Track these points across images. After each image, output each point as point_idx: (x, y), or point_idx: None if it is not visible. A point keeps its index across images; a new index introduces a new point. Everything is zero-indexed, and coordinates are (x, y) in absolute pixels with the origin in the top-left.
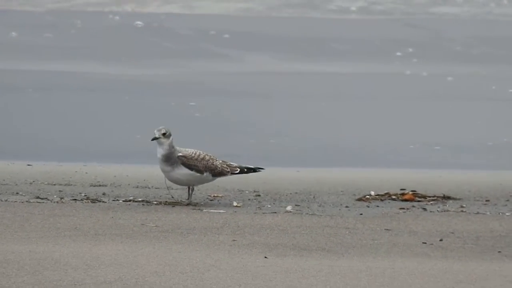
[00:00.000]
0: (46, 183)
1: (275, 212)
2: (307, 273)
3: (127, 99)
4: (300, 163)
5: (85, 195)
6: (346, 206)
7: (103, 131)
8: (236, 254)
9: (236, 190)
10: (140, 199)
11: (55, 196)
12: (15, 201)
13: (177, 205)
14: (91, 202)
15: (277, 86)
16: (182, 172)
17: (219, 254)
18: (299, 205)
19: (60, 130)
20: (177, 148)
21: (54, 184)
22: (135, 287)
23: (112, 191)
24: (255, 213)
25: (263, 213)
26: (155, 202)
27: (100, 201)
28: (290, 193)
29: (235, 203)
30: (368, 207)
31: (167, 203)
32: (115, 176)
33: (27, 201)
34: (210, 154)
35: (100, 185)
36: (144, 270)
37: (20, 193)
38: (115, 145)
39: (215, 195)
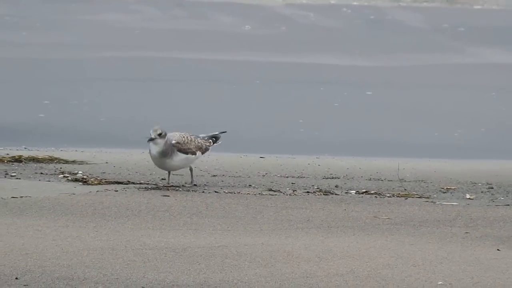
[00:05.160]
0: (278, 175)
1: (508, 205)
2: None
3: (369, 94)
4: None
5: (318, 188)
6: None
7: (337, 124)
8: (469, 246)
9: (469, 182)
10: (372, 192)
11: (287, 188)
12: (248, 194)
13: (409, 197)
14: (324, 194)
15: (500, 80)
16: (179, 158)
17: (452, 247)
18: None
19: (291, 122)
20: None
21: (287, 177)
22: (367, 279)
23: (345, 183)
24: (488, 205)
25: (496, 205)
26: (388, 195)
27: (332, 193)
28: None
29: (468, 196)
30: None
31: (399, 195)
32: (347, 168)
33: (259, 194)
34: (189, 133)
35: (332, 178)
36: (376, 263)
37: (253, 185)
38: (347, 138)
39: (448, 187)
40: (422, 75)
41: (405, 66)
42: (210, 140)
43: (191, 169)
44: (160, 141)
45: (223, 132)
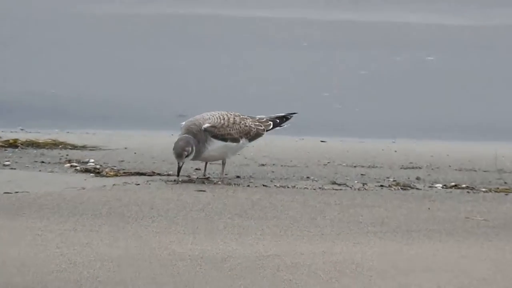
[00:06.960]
0: (344, 164)
1: None
2: None
3: (459, 60)
4: None
5: (394, 180)
6: None
7: (418, 99)
8: None
9: None
10: (464, 185)
11: (356, 181)
12: (305, 188)
13: (510, 192)
14: (402, 188)
15: None
16: (215, 146)
17: None
18: None
19: (359, 96)
20: (196, 117)
21: (355, 166)
22: None
23: (429, 174)
24: None
25: None
26: (484, 189)
27: (413, 188)
28: None
29: None
30: None
31: (498, 190)
32: (432, 155)
33: (320, 188)
34: (238, 113)
35: (413, 167)
36: (470, 277)
37: (312, 177)
38: (431, 117)
39: None
40: None
41: (504, 25)
42: (270, 122)
43: (223, 162)
44: (189, 156)
45: (293, 113)
